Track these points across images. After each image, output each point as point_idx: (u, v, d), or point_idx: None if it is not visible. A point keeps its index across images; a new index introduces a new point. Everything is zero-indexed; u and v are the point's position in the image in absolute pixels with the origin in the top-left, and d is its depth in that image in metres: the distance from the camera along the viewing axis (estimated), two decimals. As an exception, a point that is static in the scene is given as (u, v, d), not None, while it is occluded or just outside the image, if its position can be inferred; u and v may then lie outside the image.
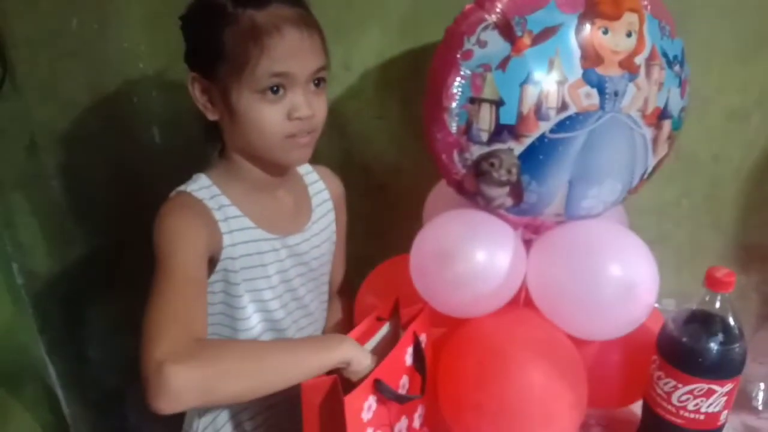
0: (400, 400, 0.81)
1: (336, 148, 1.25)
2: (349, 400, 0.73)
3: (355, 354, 0.78)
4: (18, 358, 1.50)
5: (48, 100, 1.27)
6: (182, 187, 0.92)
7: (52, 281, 1.45)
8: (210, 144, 0.97)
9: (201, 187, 0.92)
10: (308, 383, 0.76)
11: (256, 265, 0.94)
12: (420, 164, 1.21)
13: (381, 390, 0.76)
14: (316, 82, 0.89)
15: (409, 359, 0.85)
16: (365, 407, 0.76)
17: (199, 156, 1.01)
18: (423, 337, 0.88)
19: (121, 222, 1.09)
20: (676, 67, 0.83)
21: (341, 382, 0.76)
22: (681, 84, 0.85)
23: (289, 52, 0.84)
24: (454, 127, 0.84)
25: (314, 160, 1.05)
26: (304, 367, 0.76)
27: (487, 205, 0.89)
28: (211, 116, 0.90)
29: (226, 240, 0.90)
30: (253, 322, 0.97)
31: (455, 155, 0.86)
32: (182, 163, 1.00)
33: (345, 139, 1.26)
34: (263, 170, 0.95)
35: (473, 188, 0.88)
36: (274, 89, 0.85)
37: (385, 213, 1.31)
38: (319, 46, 0.88)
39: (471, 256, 0.87)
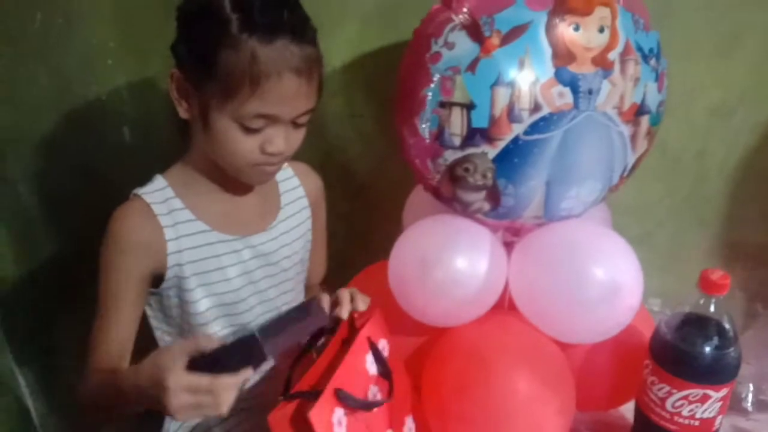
0: (366, 407, 0.78)
1: (315, 148, 1.21)
2: (315, 415, 0.70)
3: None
4: None
5: (10, 102, 1.24)
6: (137, 190, 0.91)
7: (20, 287, 1.43)
8: (182, 141, 0.95)
9: (155, 189, 0.91)
10: (273, 417, 0.72)
11: (213, 269, 0.93)
12: (400, 164, 1.19)
13: (343, 399, 0.74)
14: (296, 120, 0.86)
15: (372, 368, 0.82)
16: (335, 421, 0.73)
17: (171, 157, 0.99)
18: (383, 343, 0.85)
19: (90, 226, 1.07)
20: (653, 61, 0.81)
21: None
22: (658, 78, 0.82)
23: (282, 98, 0.82)
24: (426, 133, 0.81)
25: (293, 159, 1.03)
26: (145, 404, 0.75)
27: (465, 210, 0.87)
28: (183, 114, 0.88)
29: (171, 247, 0.89)
30: (216, 327, 0.96)
31: (429, 161, 0.83)
32: (153, 164, 0.98)
33: (324, 139, 1.23)
34: (227, 177, 0.92)
35: (449, 193, 0.86)
36: (256, 127, 0.83)
37: (366, 214, 1.29)
38: (315, 88, 0.86)
39: (450, 263, 0.85)
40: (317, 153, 1.23)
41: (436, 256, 0.86)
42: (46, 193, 1.32)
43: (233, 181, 0.93)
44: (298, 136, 0.89)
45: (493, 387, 0.83)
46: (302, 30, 0.82)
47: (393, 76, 0.90)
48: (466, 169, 0.81)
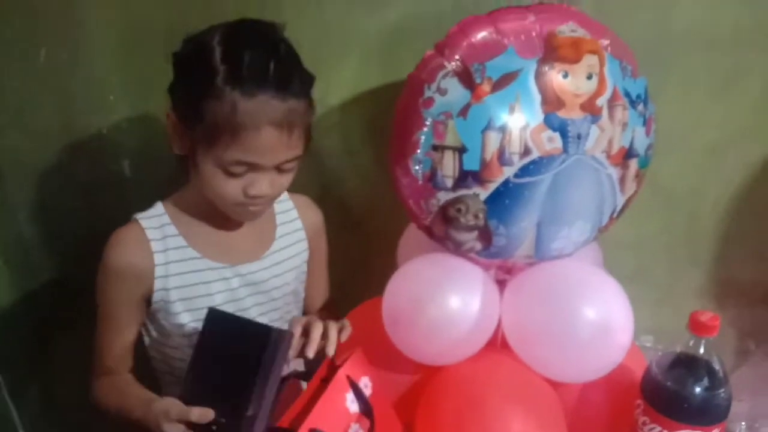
0: None
1: (314, 183, 1.24)
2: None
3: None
4: None
5: (14, 128, 1.26)
6: (137, 214, 0.97)
7: (16, 315, 1.42)
8: (182, 172, 0.98)
9: (153, 215, 0.97)
10: None
11: (201, 295, 0.97)
12: (395, 202, 1.21)
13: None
14: (281, 167, 0.89)
15: (353, 406, 0.82)
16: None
17: (168, 190, 1.02)
18: (365, 381, 0.85)
19: (88, 255, 1.09)
20: (640, 107, 0.83)
21: None
22: (646, 122, 0.84)
23: (261, 149, 0.85)
24: (419, 174, 0.83)
25: (293, 191, 1.07)
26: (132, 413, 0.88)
27: (457, 249, 0.89)
28: (177, 151, 0.91)
29: (159, 271, 0.94)
30: None
31: (422, 201, 0.85)
32: (153, 196, 1.01)
33: (322, 174, 1.25)
34: (219, 209, 0.95)
35: (442, 233, 0.87)
36: (237, 173, 0.87)
37: (363, 247, 1.29)
38: (298, 138, 0.88)
39: (444, 302, 0.87)
40: (315, 187, 1.24)
41: (430, 294, 0.87)
42: (44, 220, 1.33)
43: (225, 216, 0.96)
44: (284, 180, 0.91)
45: (489, 428, 0.83)
46: (287, 84, 0.84)
47: (390, 114, 0.92)
48: (459, 210, 0.83)
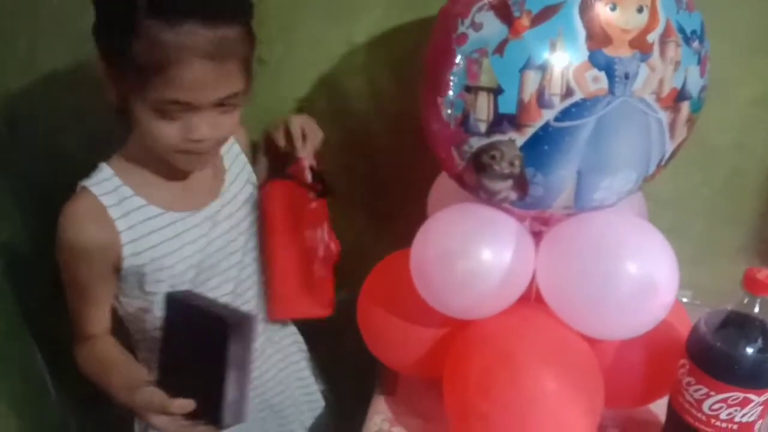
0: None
1: (338, 127, 1.19)
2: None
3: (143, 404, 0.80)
4: (3, 346, 1.49)
5: (29, 76, 1.22)
6: (84, 182, 0.91)
7: (35, 267, 1.43)
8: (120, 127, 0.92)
9: (102, 179, 0.91)
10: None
11: (174, 250, 0.93)
12: (425, 148, 1.16)
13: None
14: (221, 105, 0.83)
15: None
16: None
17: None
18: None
19: None
20: (695, 43, 0.75)
21: None
22: (700, 61, 0.77)
23: (193, 85, 0.79)
24: (450, 118, 0.77)
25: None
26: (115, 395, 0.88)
27: (490, 199, 0.83)
28: (112, 100, 0.85)
29: (125, 237, 0.89)
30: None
31: (453, 148, 0.79)
32: None
33: (346, 118, 1.19)
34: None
35: (474, 182, 0.82)
36: (171, 112, 0.81)
37: (389, 198, 1.25)
38: (235, 72, 0.82)
39: (475, 255, 0.82)
40: (339, 131, 1.19)
41: (461, 246, 0.83)
42: (61, 167, 1.31)
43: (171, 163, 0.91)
44: (227, 121, 0.85)
45: (519, 385, 0.80)
46: (216, 9, 0.78)
47: (420, 54, 0.86)
48: (493, 157, 0.77)
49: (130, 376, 0.87)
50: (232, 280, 1.01)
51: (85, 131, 1.26)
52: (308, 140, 1.02)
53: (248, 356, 0.75)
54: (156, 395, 0.78)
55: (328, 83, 1.16)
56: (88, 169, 1.30)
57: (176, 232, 0.94)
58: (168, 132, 0.82)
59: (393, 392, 1.03)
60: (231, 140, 1.03)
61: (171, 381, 0.79)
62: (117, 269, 0.92)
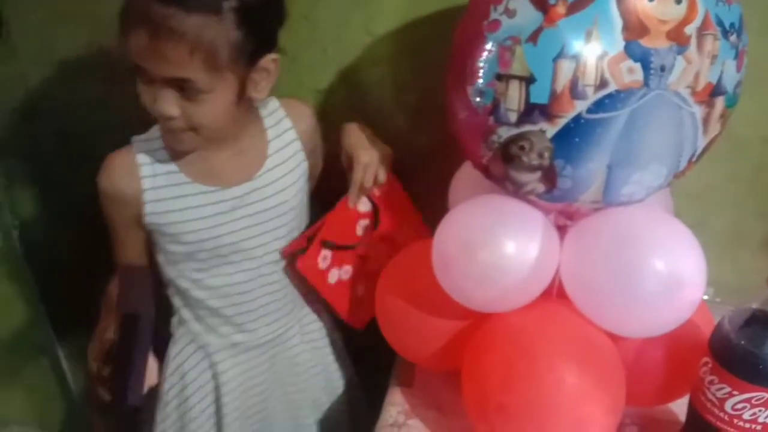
0: (347, 248, 1.07)
1: (354, 119, 1.18)
2: (302, 261, 1.03)
3: None
4: (22, 330, 1.50)
5: (45, 63, 1.22)
6: (135, 137, 0.99)
7: (54, 251, 1.43)
8: None
9: (149, 138, 0.98)
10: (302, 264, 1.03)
11: (192, 219, 0.98)
12: (447, 138, 1.14)
13: (327, 246, 1.04)
14: (183, 90, 0.86)
15: (363, 207, 1.06)
16: (320, 260, 1.04)
17: None
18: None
19: None
20: (733, 37, 0.74)
21: None
22: (738, 56, 0.75)
23: (138, 52, 0.83)
24: (479, 106, 0.76)
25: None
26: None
27: (517, 191, 0.82)
28: None
29: (147, 196, 0.97)
30: (194, 267, 1.04)
31: (481, 137, 0.78)
32: None
33: (366, 109, 1.18)
34: None
35: (501, 173, 0.80)
36: (140, 75, 0.86)
37: (410, 189, 1.23)
38: (185, 58, 0.82)
39: (498, 247, 0.81)
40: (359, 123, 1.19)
41: (483, 238, 0.81)
42: (78, 155, 1.31)
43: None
44: (198, 110, 0.87)
45: (541, 378, 0.79)
46: None
47: (442, 45, 0.85)
48: (522, 148, 0.76)
49: (101, 331, 0.99)
50: (255, 259, 1.04)
51: (102, 120, 1.26)
52: (365, 188, 1.04)
53: (146, 348, 0.89)
54: (91, 350, 0.96)
55: (347, 73, 1.15)
56: (106, 156, 1.30)
57: (199, 203, 0.98)
58: (145, 96, 0.88)
59: (409, 384, 1.02)
60: (287, 123, 1.04)
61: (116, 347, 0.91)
62: (140, 222, 0.99)
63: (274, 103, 1.04)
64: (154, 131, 0.98)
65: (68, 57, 1.21)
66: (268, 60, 0.90)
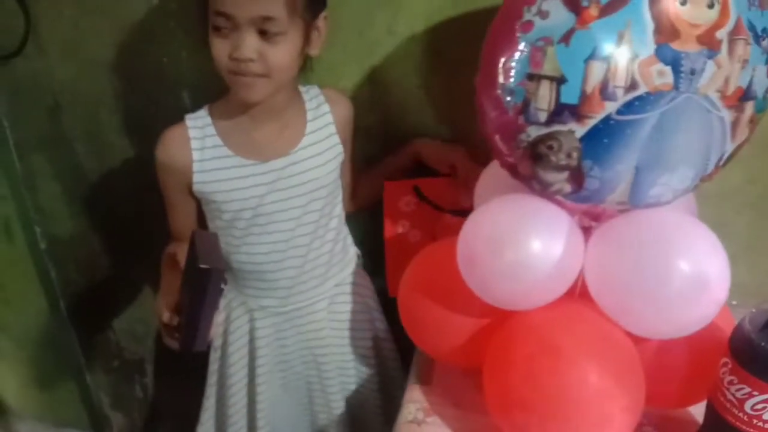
0: (433, 206, 1.15)
1: (374, 118, 1.20)
2: (389, 186, 1.17)
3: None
4: (40, 323, 1.51)
5: (71, 59, 1.24)
6: (187, 115, 1.08)
7: (74, 246, 1.44)
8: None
9: (198, 116, 1.08)
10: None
11: (234, 189, 1.08)
12: (465, 140, 1.15)
13: (416, 193, 1.16)
14: (263, 31, 0.93)
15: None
16: (402, 202, 1.16)
17: None
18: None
19: (144, 187, 1.13)
20: (765, 42, 0.74)
21: None
22: (768, 61, 0.76)
23: None
24: (509, 106, 0.77)
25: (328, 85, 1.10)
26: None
27: (544, 191, 0.83)
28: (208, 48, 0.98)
29: (196, 167, 1.07)
30: (238, 234, 1.13)
31: (510, 136, 0.79)
32: None
33: (385, 109, 1.20)
34: (248, 105, 1.04)
35: (529, 172, 0.81)
36: (221, 27, 0.94)
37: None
38: None
39: (524, 245, 0.81)
40: (379, 123, 1.20)
41: (509, 236, 0.82)
42: (101, 152, 1.33)
43: (254, 108, 1.05)
44: (273, 52, 0.95)
45: (563, 376, 0.80)
46: None
47: (462, 47, 0.86)
48: (550, 147, 0.76)
49: (166, 286, 1.03)
50: (287, 231, 1.12)
51: (127, 116, 1.28)
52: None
53: (216, 301, 0.90)
54: (158, 305, 0.98)
55: (369, 72, 1.17)
56: (128, 152, 1.32)
57: (240, 175, 1.07)
58: (220, 48, 0.96)
59: (428, 381, 1.03)
60: (326, 108, 1.12)
61: (181, 300, 0.95)
62: (191, 190, 1.09)
63: (315, 90, 1.13)
64: (204, 110, 1.08)
65: (94, 53, 1.24)
66: (322, 18, 1.01)
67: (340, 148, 1.13)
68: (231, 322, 1.23)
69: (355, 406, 1.30)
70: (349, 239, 1.27)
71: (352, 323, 1.25)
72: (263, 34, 0.94)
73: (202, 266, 0.86)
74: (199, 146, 1.06)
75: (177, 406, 1.39)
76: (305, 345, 1.25)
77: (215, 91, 1.09)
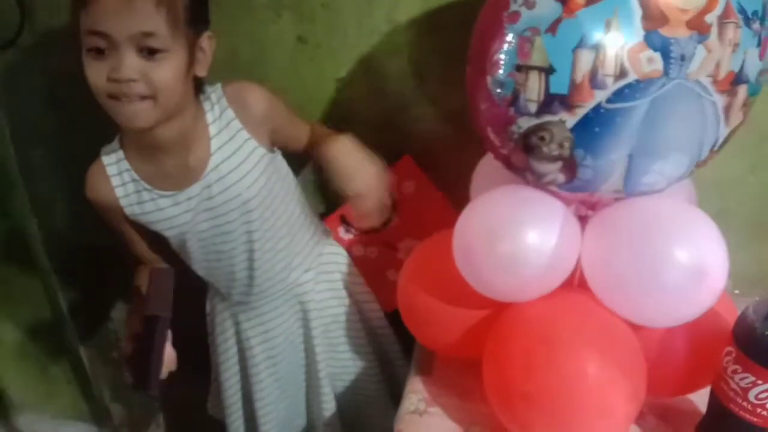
0: (358, 231, 1.23)
1: (374, 108, 1.19)
2: (327, 222, 1.23)
3: None
4: (40, 316, 1.52)
5: (68, 49, 1.24)
6: (103, 149, 1.05)
7: (72, 238, 1.45)
8: None
9: (111, 150, 1.04)
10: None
11: (162, 219, 1.05)
12: (465, 130, 1.14)
13: (346, 223, 1.22)
14: (144, 49, 0.87)
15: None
16: (340, 231, 1.23)
17: None
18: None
19: None
20: (755, 25, 0.73)
21: None
22: (760, 43, 0.74)
23: (105, 11, 0.84)
24: (499, 98, 0.76)
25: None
26: None
27: (537, 181, 0.82)
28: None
29: (123, 202, 1.04)
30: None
31: (501, 128, 0.79)
32: None
33: (384, 99, 1.19)
34: (143, 135, 0.96)
35: (522, 164, 0.81)
36: (98, 48, 0.87)
37: (431, 181, 1.24)
38: (150, 10, 0.85)
39: (520, 237, 0.81)
40: (378, 114, 1.19)
41: (505, 228, 0.82)
42: (100, 143, 1.32)
43: (151, 137, 0.97)
44: (158, 71, 0.88)
45: (563, 367, 0.80)
46: None
47: (463, 35, 0.85)
48: (542, 138, 0.76)
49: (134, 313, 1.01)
50: (231, 243, 1.09)
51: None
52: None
53: (163, 345, 0.91)
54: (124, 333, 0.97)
55: (368, 61, 1.16)
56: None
57: (163, 206, 1.04)
58: (97, 71, 0.88)
59: (429, 372, 1.03)
60: (230, 114, 1.01)
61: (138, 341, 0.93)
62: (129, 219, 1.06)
63: (217, 93, 1.02)
64: (116, 142, 1.04)
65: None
66: (206, 37, 0.94)
67: (261, 150, 1.04)
68: (217, 318, 1.24)
69: (356, 394, 1.29)
70: (314, 226, 1.20)
71: (336, 308, 1.23)
72: (144, 52, 0.87)
73: (148, 314, 0.88)
74: (120, 182, 1.04)
75: (178, 397, 1.40)
76: (294, 332, 1.23)
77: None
